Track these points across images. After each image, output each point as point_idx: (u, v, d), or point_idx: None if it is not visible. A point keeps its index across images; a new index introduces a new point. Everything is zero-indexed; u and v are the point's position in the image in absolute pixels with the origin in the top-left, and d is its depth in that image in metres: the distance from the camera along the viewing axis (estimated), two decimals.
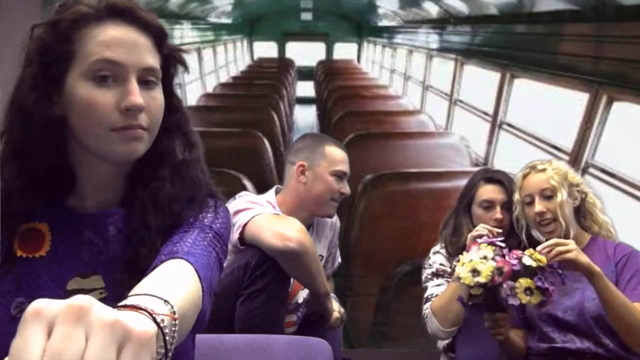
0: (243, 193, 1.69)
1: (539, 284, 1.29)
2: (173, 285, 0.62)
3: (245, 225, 1.49)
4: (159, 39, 0.78)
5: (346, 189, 1.69)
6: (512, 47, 3.47)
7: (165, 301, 0.55)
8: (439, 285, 1.65)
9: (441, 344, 1.71)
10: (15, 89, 0.75)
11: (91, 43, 0.73)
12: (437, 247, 1.74)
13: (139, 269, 0.74)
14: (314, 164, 1.67)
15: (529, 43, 3.20)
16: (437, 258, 1.70)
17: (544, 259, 1.33)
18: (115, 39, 0.74)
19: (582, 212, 1.57)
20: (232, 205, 1.59)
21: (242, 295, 1.47)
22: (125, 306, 0.51)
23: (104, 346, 0.38)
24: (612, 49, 2.28)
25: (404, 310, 1.66)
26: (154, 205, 0.78)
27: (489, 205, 1.66)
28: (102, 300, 0.76)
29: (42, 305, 0.39)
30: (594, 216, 1.56)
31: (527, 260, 1.31)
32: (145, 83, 0.75)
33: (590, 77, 2.42)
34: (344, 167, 1.68)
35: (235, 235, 1.51)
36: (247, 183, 2.48)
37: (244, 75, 8.59)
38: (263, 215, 1.50)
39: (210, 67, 7.74)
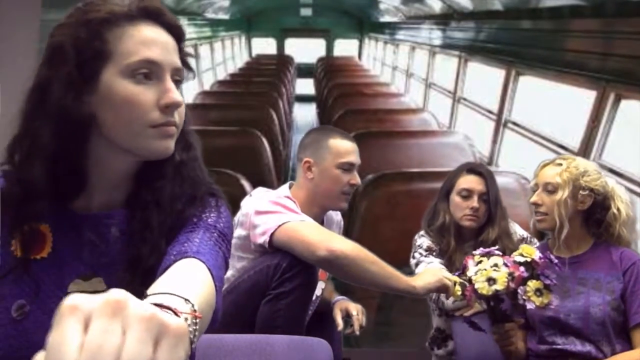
0: (261, 189, 1.71)
1: (547, 282, 1.32)
2: (190, 284, 0.64)
3: (272, 233, 1.51)
4: (180, 41, 0.82)
5: (356, 179, 1.69)
6: (517, 43, 3.48)
7: (186, 300, 0.57)
8: (441, 263, 1.70)
9: (426, 343, 1.80)
10: (40, 89, 0.76)
11: (129, 42, 0.76)
12: (421, 232, 1.81)
13: (141, 269, 0.76)
14: (320, 158, 1.68)
15: (535, 39, 3.21)
16: (423, 240, 1.77)
17: (532, 251, 1.36)
18: (152, 40, 0.77)
19: (594, 219, 1.56)
20: (250, 202, 1.62)
21: (269, 295, 1.49)
22: None
23: (141, 340, 0.39)
24: (620, 45, 2.29)
25: (406, 311, 1.68)
26: (157, 204, 0.79)
27: (467, 194, 1.74)
28: None
29: (78, 301, 0.40)
30: (610, 227, 1.55)
31: (519, 259, 1.34)
32: (175, 83, 0.78)
33: (597, 75, 2.43)
34: (351, 158, 1.69)
35: (260, 240, 1.53)
36: (245, 183, 2.49)
37: (242, 72, 8.59)
38: (289, 225, 1.51)
39: (208, 64, 7.75)
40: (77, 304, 0.40)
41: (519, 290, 1.33)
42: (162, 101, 0.76)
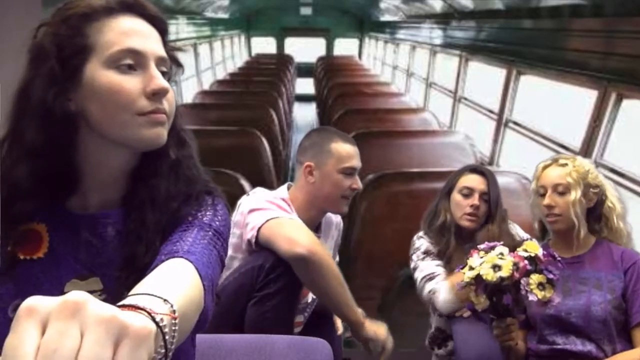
0: (258, 189, 1.71)
1: (550, 276, 1.34)
2: (173, 284, 0.63)
3: (260, 227, 1.52)
4: (163, 33, 0.82)
5: (357, 183, 1.69)
6: (518, 42, 3.49)
7: (165, 300, 0.55)
8: (438, 265, 1.71)
9: (426, 342, 1.82)
10: (24, 88, 0.77)
11: (110, 34, 0.76)
12: (420, 234, 1.82)
13: (137, 267, 0.76)
14: (321, 163, 1.67)
15: (536, 39, 3.21)
16: (422, 242, 1.78)
17: (536, 247, 1.37)
18: (133, 30, 0.77)
19: (596, 215, 1.59)
20: (247, 201, 1.62)
21: (255, 297, 1.50)
22: (123, 306, 0.51)
23: (99, 342, 0.38)
24: (621, 45, 2.29)
25: (408, 312, 1.69)
26: (152, 203, 0.80)
27: (468, 192, 1.76)
28: None
29: (36, 302, 0.40)
30: (609, 221, 1.57)
31: (523, 254, 1.36)
32: (161, 74, 0.79)
33: (599, 74, 2.43)
34: (353, 162, 1.68)
35: (248, 236, 1.54)
36: (245, 183, 2.49)
37: (242, 72, 8.59)
38: (277, 220, 1.53)
39: (207, 64, 7.75)
40: (34, 306, 0.39)
41: (522, 281, 1.34)
42: (148, 88, 0.76)
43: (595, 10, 2.52)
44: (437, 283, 1.66)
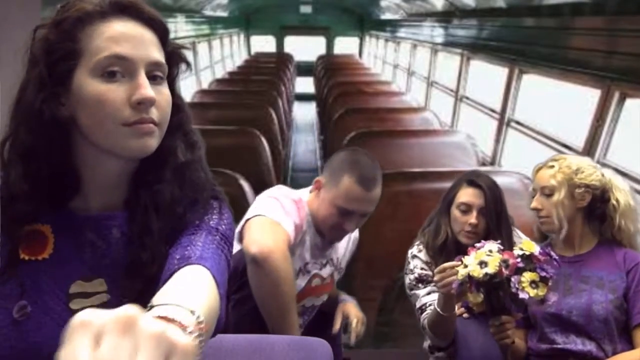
0: (276, 187, 1.68)
1: (543, 274, 1.34)
2: (196, 294, 0.65)
3: (247, 220, 1.51)
4: (163, 35, 0.81)
5: (348, 226, 1.61)
6: (520, 41, 3.49)
7: (192, 311, 0.58)
8: (429, 293, 1.68)
9: (425, 344, 1.80)
10: (20, 90, 0.77)
11: (98, 39, 0.75)
12: (414, 251, 1.77)
13: (142, 274, 0.77)
14: (328, 186, 1.62)
15: (538, 37, 3.22)
16: (416, 263, 1.74)
17: (532, 246, 1.38)
18: (122, 35, 0.76)
19: (597, 214, 1.58)
20: (258, 197, 1.62)
21: (232, 300, 1.49)
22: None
23: (151, 358, 0.41)
24: (625, 43, 2.30)
25: (408, 313, 1.69)
26: (156, 208, 0.80)
27: (466, 209, 1.70)
28: (104, 304, 0.79)
29: (89, 316, 0.41)
30: (613, 220, 1.56)
31: (518, 252, 1.37)
32: (153, 78, 0.77)
33: (601, 73, 2.44)
34: (352, 206, 1.58)
35: (238, 228, 1.51)
36: (244, 183, 2.49)
37: (241, 70, 8.60)
38: (261, 218, 1.50)
39: (206, 62, 7.77)
40: (88, 320, 0.41)
41: (512, 279, 1.35)
42: (133, 97, 0.74)
43: (598, 8, 2.52)
44: (424, 320, 1.65)
